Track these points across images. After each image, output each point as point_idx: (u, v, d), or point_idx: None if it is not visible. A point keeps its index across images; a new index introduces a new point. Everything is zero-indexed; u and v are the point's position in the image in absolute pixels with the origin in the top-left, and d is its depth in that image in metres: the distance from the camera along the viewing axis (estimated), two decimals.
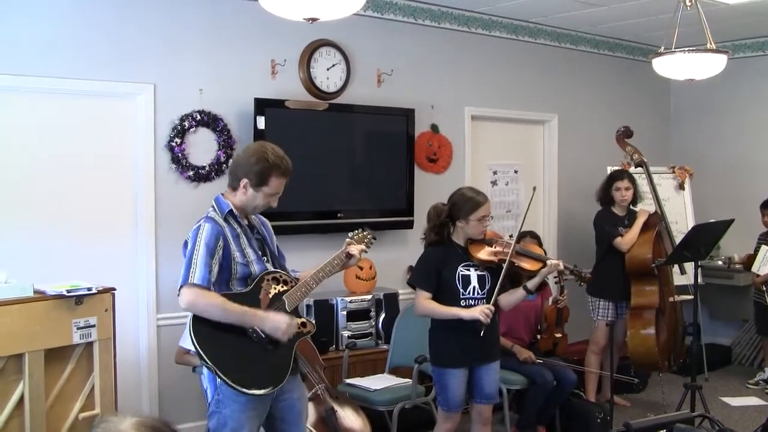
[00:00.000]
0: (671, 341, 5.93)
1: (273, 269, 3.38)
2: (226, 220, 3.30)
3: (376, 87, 5.96)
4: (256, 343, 3.23)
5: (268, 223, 3.58)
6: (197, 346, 3.14)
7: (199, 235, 3.20)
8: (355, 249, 3.54)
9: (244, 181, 3.29)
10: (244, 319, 3.20)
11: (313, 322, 3.48)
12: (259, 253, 3.38)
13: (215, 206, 3.34)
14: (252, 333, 3.23)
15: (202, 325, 3.17)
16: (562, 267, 4.24)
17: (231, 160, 3.45)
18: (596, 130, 7.35)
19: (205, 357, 3.13)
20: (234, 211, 3.33)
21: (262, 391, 3.18)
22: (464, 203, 4.11)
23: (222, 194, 3.39)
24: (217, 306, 3.15)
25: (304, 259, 4.17)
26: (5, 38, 4.46)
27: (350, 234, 3.65)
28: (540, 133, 7.26)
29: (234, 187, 3.34)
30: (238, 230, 3.32)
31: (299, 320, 3.36)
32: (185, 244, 3.25)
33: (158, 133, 4.99)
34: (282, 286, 3.35)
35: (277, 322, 3.22)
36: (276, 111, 5.28)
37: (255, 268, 3.32)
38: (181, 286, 3.17)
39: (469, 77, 6.54)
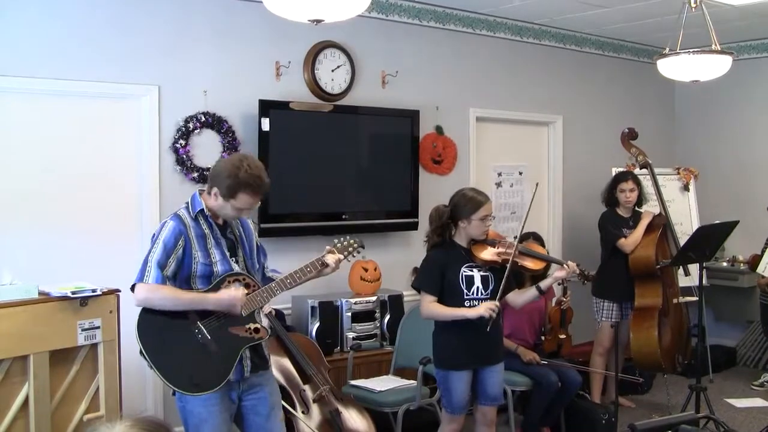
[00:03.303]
0: (676, 342, 5.92)
1: (236, 271, 3.39)
2: (195, 218, 3.36)
3: (381, 88, 5.96)
4: (200, 345, 3.26)
5: (248, 222, 3.60)
6: (141, 345, 3.26)
7: (162, 233, 3.31)
8: (331, 258, 3.50)
9: (215, 189, 3.33)
10: (195, 303, 3.27)
11: (268, 330, 3.42)
12: (227, 253, 3.41)
13: (189, 203, 3.41)
14: (197, 333, 3.27)
15: (148, 325, 3.27)
16: (577, 270, 4.22)
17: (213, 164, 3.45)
18: (601, 131, 7.35)
19: (146, 356, 3.25)
20: (205, 210, 3.38)
21: (200, 394, 3.26)
22: (466, 203, 4.11)
23: (199, 192, 3.44)
24: (169, 297, 3.25)
25: (308, 260, 4.16)
26: (10, 40, 4.46)
27: (335, 240, 3.60)
28: (545, 134, 7.25)
29: (209, 191, 3.38)
30: (206, 230, 3.38)
31: (253, 326, 3.37)
32: (152, 236, 3.36)
33: (163, 134, 5.00)
34: (243, 289, 3.36)
35: (231, 298, 3.28)
36: (280, 113, 5.28)
37: (218, 268, 3.36)
38: (134, 284, 3.28)
39: (474, 79, 6.53)
